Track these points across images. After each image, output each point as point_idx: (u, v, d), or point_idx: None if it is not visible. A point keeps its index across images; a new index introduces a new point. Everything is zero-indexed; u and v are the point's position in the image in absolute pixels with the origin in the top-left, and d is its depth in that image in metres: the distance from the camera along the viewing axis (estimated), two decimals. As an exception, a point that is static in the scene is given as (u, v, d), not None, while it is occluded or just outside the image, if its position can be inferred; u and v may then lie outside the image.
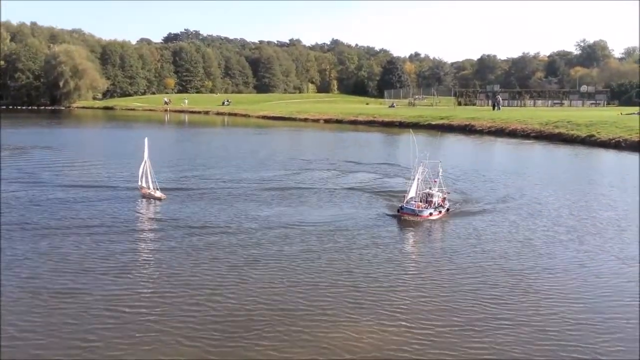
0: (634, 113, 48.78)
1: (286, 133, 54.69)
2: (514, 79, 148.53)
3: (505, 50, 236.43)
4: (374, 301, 9.49)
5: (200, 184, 20.92)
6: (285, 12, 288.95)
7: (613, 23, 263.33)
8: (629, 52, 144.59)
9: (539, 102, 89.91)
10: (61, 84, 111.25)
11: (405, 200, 15.95)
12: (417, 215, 15.42)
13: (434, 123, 53.61)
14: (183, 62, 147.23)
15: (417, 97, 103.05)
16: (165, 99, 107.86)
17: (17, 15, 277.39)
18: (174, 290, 9.90)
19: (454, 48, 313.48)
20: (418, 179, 15.90)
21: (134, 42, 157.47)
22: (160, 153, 29.48)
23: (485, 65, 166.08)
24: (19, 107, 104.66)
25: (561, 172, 26.36)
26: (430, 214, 15.55)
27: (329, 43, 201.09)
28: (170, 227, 14.35)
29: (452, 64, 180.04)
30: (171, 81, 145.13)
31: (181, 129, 64.01)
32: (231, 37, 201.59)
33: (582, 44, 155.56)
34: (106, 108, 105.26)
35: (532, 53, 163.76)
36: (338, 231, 14.08)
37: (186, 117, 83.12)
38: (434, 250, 13.11)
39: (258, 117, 77.99)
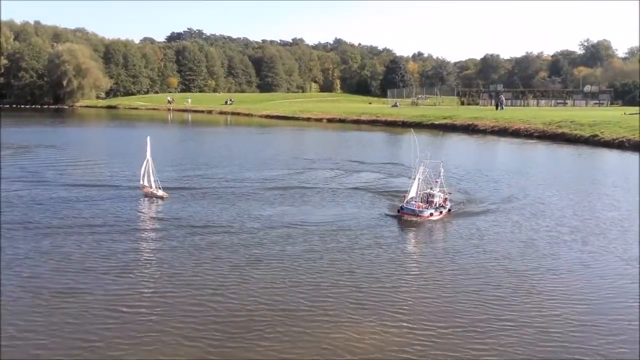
0: (637, 113, 48.56)
1: (289, 132, 54.67)
2: (517, 79, 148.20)
3: (509, 49, 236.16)
4: (376, 302, 9.45)
5: (202, 183, 20.91)
6: (286, 12, 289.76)
7: (617, 23, 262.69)
8: (632, 52, 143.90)
9: (542, 101, 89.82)
10: (64, 83, 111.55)
11: (406, 200, 15.88)
12: (418, 215, 15.33)
13: (436, 123, 53.51)
14: (186, 61, 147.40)
15: (420, 96, 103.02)
16: (169, 98, 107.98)
17: (20, 14, 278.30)
18: (176, 290, 9.87)
19: (457, 48, 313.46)
20: (419, 178, 15.82)
21: (137, 41, 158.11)
22: (164, 152, 29.51)
23: (488, 64, 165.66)
24: (22, 106, 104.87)
25: (564, 172, 26.27)
26: (431, 214, 15.45)
27: (332, 42, 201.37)
28: (172, 226, 14.33)
29: (455, 63, 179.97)
30: (174, 80, 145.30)
31: (184, 128, 64.03)
32: (234, 36, 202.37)
33: (585, 44, 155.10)
34: (109, 107, 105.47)
35: (535, 53, 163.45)
36: (341, 231, 14.03)
37: (189, 116, 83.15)
38: (437, 250, 13.05)
39: (261, 116, 78.01)
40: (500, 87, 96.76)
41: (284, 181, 21.70)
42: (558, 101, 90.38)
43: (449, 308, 9.23)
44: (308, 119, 68.65)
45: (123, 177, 21.99)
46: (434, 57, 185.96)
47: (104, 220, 14.79)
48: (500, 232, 14.25)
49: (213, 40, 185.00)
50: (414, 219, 15.29)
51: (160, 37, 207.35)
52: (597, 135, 37.73)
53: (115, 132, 55.22)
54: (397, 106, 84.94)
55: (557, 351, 7.82)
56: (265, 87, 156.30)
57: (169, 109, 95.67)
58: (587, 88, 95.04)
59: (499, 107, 65.65)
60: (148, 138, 18.20)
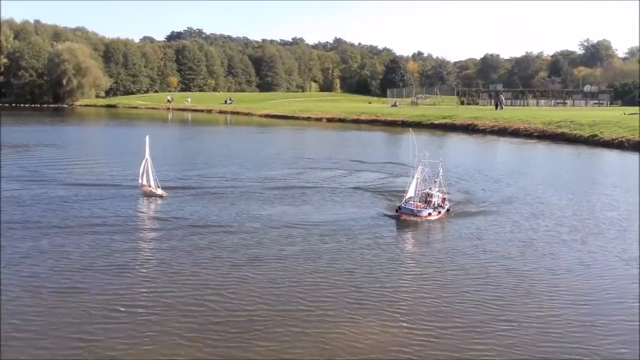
0: (637, 113, 48.55)
1: (289, 132, 54.65)
2: (517, 79, 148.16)
3: (509, 49, 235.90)
4: (375, 301, 9.44)
5: (202, 182, 20.89)
6: (286, 12, 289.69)
7: (617, 23, 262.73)
8: (632, 52, 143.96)
9: (542, 101, 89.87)
10: (64, 82, 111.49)
11: (404, 200, 15.86)
12: (416, 215, 15.30)
13: (436, 122, 53.56)
14: (186, 60, 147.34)
15: (419, 96, 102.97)
16: (168, 97, 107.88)
17: (20, 13, 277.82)
18: (175, 289, 9.86)
19: (457, 47, 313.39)
20: (417, 178, 15.79)
21: (137, 40, 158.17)
22: (163, 151, 29.48)
23: (488, 64, 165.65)
24: (22, 105, 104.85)
25: (564, 172, 26.26)
26: (429, 214, 15.42)
27: (331, 42, 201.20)
28: (172, 225, 14.31)
29: (455, 63, 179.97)
30: (174, 79, 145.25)
31: (184, 127, 64.01)
32: (234, 35, 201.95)
33: (585, 44, 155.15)
34: (109, 106, 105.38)
35: (535, 52, 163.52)
36: (340, 231, 14.02)
37: (189, 116, 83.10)
38: (436, 250, 13.03)
39: (261, 115, 77.98)
40: (500, 87, 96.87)
41: (284, 180, 21.69)
42: (558, 101, 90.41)
43: (448, 308, 9.22)
44: (308, 119, 68.63)
45: (122, 176, 21.95)
46: (434, 56, 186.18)
47: (103, 219, 14.77)
48: (499, 231, 14.24)
49: (213, 39, 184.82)
50: (413, 218, 15.27)
51: (160, 36, 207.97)
52: (596, 135, 37.74)
53: (115, 131, 55.18)
54: (396, 106, 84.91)
55: (557, 351, 7.81)
56: (265, 86, 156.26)
57: (168, 108, 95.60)
58: (587, 88, 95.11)
59: (499, 107, 65.66)
60: (147, 137, 18.17)
